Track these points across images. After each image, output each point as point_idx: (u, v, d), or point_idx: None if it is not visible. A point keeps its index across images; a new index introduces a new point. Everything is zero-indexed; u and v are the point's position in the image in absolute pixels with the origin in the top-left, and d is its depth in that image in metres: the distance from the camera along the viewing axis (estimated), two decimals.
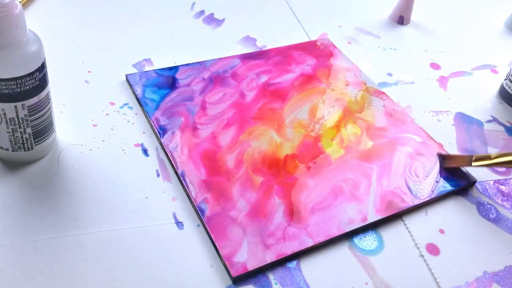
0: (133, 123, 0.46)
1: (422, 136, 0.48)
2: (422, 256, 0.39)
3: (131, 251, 0.36)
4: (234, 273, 0.35)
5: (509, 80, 0.55)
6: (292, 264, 0.37)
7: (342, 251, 0.38)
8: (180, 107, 0.47)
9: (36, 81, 0.36)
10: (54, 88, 0.42)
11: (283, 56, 0.56)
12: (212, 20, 0.61)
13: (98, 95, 0.48)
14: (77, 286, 0.34)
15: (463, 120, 0.52)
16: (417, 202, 0.42)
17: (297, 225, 0.39)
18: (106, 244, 0.36)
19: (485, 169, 0.47)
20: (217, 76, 0.52)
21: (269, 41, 0.58)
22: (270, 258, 0.36)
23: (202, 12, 0.62)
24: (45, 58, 0.37)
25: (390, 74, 0.57)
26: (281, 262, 0.37)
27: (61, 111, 0.45)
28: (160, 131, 0.44)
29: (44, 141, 0.40)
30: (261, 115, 0.48)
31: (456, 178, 0.45)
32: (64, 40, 0.54)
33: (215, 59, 0.54)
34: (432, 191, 0.43)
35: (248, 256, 0.36)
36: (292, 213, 0.39)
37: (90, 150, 0.43)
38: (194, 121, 0.46)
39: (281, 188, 0.41)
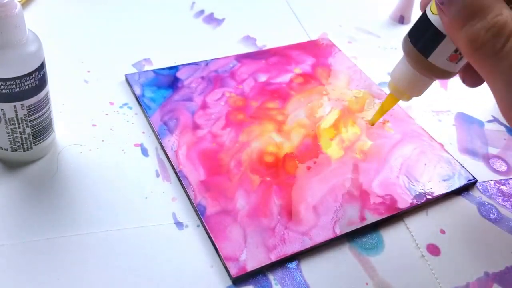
0: (132, 123, 0.45)
1: (422, 136, 0.48)
2: (423, 256, 0.39)
3: (131, 251, 0.36)
4: (234, 273, 0.35)
5: None
6: (292, 265, 0.37)
7: (342, 252, 0.38)
8: (179, 107, 0.47)
9: (36, 81, 0.36)
10: (54, 88, 0.41)
11: (282, 55, 0.55)
12: (212, 19, 0.61)
13: (97, 95, 0.48)
14: (77, 286, 0.33)
15: (464, 120, 0.52)
16: (417, 202, 0.42)
17: (297, 226, 0.39)
18: (105, 244, 0.36)
19: (486, 169, 0.47)
20: (216, 75, 0.51)
21: (269, 41, 0.58)
22: (270, 258, 0.36)
23: (202, 11, 0.62)
24: (44, 58, 0.37)
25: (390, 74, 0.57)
26: (281, 263, 0.37)
27: (60, 111, 0.45)
28: (160, 131, 0.44)
29: (43, 141, 0.40)
30: (261, 115, 0.48)
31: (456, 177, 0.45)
32: (64, 40, 0.54)
33: (214, 58, 0.54)
34: (433, 191, 0.43)
35: (248, 257, 0.36)
36: (292, 214, 0.39)
37: (90, 150, 0.42)
38: (193, 120, 0.46)
39: (280, 188, 0.41)
